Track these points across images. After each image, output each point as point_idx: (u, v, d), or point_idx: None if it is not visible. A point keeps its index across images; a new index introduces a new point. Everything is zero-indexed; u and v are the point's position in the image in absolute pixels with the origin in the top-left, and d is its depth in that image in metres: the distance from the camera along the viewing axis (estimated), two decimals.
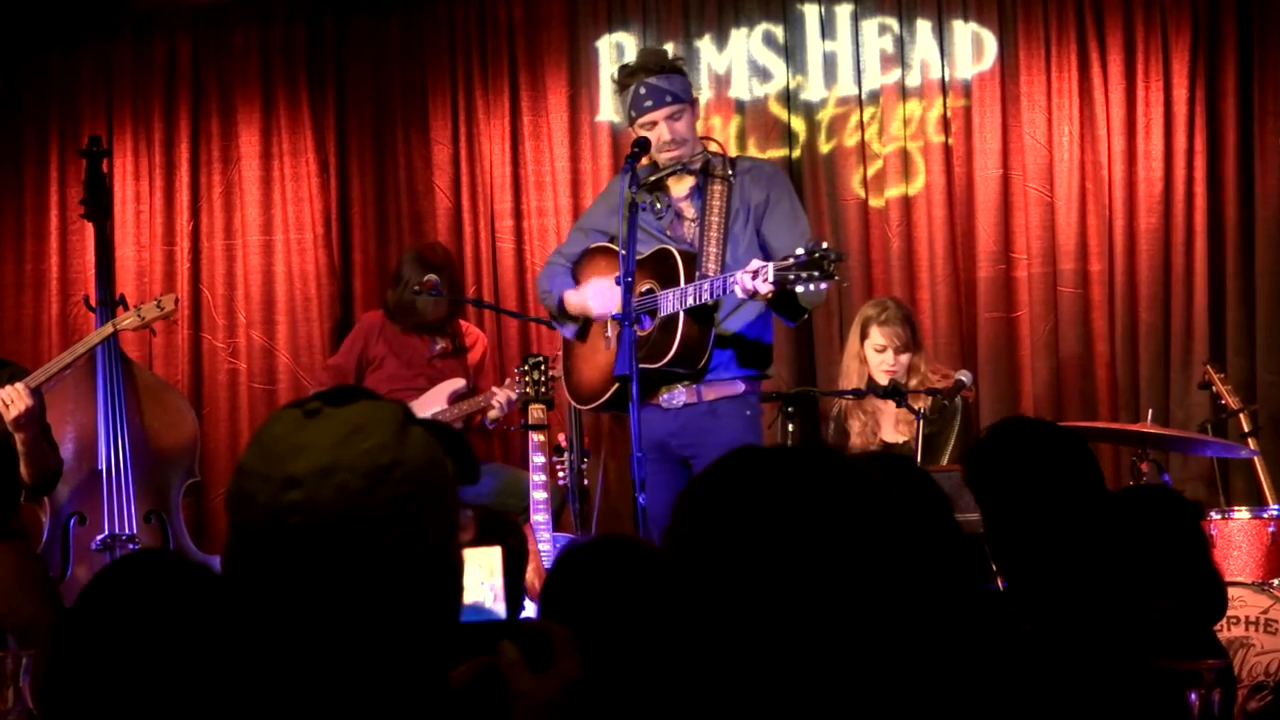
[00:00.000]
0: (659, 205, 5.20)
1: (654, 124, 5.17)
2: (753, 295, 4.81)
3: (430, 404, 6.32)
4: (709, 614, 1.65)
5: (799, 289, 4.74)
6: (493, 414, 6.31)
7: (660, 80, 5.14)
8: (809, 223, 5.34)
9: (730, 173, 5.21)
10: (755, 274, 4.75)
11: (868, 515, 1.67)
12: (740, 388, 5.16)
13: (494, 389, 6.34)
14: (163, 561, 2.36)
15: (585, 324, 5.39)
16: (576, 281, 5.34)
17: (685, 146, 5.18)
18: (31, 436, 5.30)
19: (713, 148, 5.39)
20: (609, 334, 5.14)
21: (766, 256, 4.99)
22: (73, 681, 2.21)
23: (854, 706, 1.63)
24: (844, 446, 6.03)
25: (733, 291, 4.86)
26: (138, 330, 5.95)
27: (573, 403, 5.48)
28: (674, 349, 5.01)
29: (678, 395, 5.15)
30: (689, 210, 5.21)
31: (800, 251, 4.72)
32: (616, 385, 5.04)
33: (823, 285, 4.72)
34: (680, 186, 5.26)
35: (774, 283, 4.72)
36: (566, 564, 2.94)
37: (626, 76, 5.26)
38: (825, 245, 4.73)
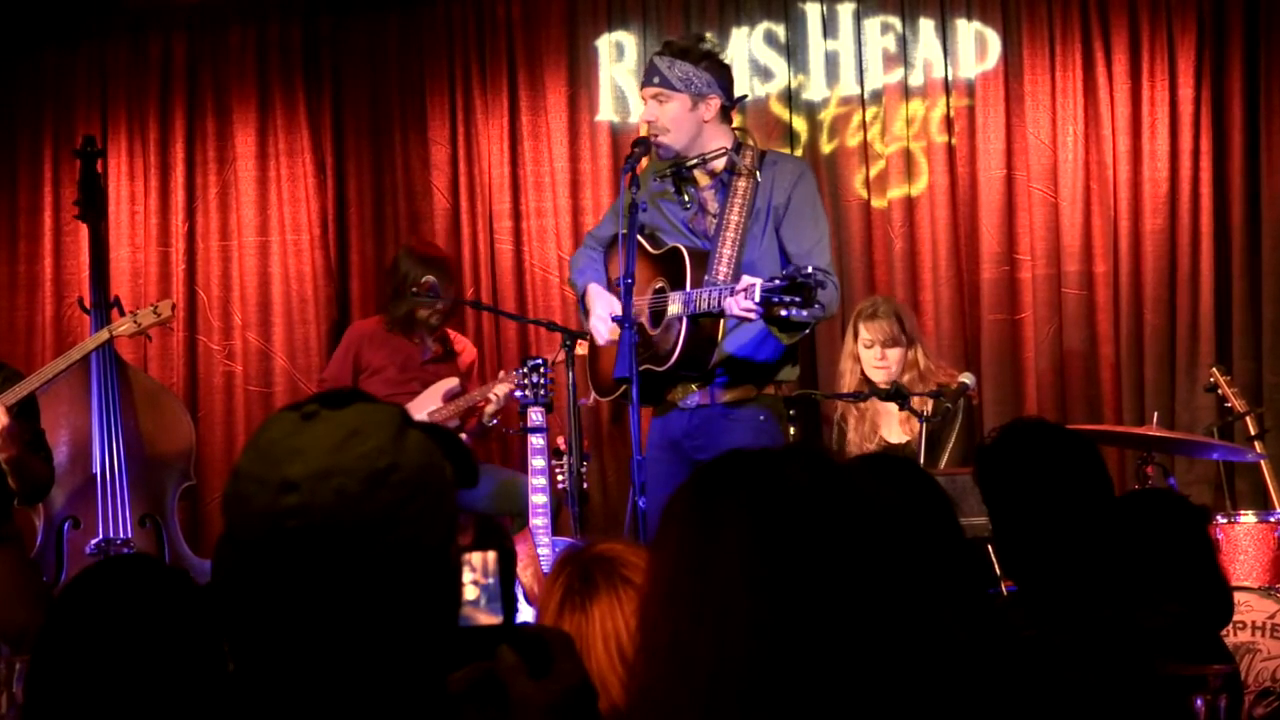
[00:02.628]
0: (685, 197, 5.13)
1: (644, 100, 5.13)
2: (740, 318, 4.69)
3: (425, 404, 6.28)
4: (694, 617, 1.65)
5: (781, 314, 4.52)
6: (490, 408, 6.27)
7: (663, 61, 5.08)
8: (829, 226, 5.24)
9: (758, 170, 5.09)
10: (745, 292, 4.58)
11: (852, 517, 1.67)
12: (754, 391, 5.10)
13: (493, 382, 6.30)
14: (138, 566, 2.35)
15: None
16: (607, 265, 5.27)
17: (669, 136, 5.06)
18: (13, 456, 5.24)
19: (748, 142, 5.25)
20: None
21: (785, 261, 4.92)
22: (52, 685, 2.21)
23: (845, 710, 1.62)
24: (845, 450, 6.00)
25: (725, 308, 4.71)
26: (134, 337, 5.91)
27: (594, 393, 5.42)
28: (676, 354, 4.95)
29: (693, 396, 5.11)
30: (712, 204, 5.13)
31: (782, 274, 4.53)
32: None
33: (803, 313, 4.52)
34: (705, 178, 5.18)
35: (759, 304, 4.54)
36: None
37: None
38: (810, 270, 4.50)
